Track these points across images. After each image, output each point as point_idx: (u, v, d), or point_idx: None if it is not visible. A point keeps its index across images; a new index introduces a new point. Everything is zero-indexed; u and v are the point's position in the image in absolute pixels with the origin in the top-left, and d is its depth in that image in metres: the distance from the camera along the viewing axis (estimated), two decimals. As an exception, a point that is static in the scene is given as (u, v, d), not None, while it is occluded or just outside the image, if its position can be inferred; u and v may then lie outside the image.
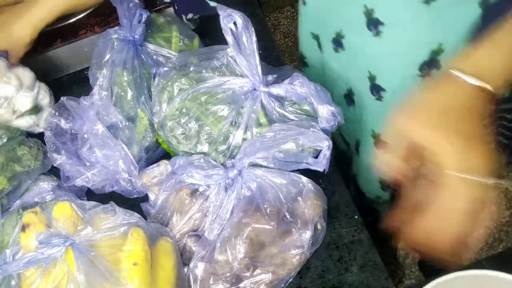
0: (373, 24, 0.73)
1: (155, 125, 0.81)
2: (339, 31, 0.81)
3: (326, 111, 0.69)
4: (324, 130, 0.71)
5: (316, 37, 0.90)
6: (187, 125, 0.76)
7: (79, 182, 0.81)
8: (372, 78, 0.81)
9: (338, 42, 0.83)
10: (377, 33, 0.74)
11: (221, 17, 0.72)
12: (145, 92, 0.84)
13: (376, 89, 0.82)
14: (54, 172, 0.86)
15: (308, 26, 0.91)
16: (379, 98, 0.82)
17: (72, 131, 0.84)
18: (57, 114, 0.85)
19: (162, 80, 0.79)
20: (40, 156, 0.84)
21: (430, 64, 0.74)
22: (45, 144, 0.84)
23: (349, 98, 0.91)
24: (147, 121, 0.83)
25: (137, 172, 0.79)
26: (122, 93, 0.83)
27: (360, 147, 0.98)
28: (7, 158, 0.80)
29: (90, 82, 0.86)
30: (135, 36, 0.83)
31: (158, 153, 0.85)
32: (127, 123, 0.82)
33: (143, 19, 0.85)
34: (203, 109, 0.75)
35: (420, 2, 0.67)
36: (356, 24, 0.75)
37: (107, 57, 0.84)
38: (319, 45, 0.90)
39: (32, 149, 0.84)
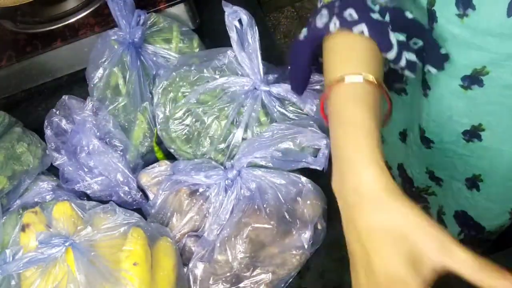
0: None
1: (155, 128, 0.81)
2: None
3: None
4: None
5: None
6: (190, 125, 0.76)
7: (78, 187, 0.81)
8: None
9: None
10: None
11: (226, 13, 0.72)
12: (145, 95, 0.84)
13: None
14: (53, 171, 0.86)
15: None
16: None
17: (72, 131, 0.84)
18: (58, 113, 0.85)
19: (164, 82, 0.79)
20: (39, 153, 0.84)
21: None
22: (42, 139, 0.84)
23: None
24: (146, 125, 0.83)
25: (135, 184, 0.80)
26: (120, 97, 0.84)
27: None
28: (6, 156, 0.80)
29: (88, 83, 0.86)
30: (135, 39, 0.83)
31: (153, 159, 0.85)
32: (122, 132, 0.82)
33: (141, 21, 0.85)
34: (205, 109, 0.75)
35: None
36: None
37: (104, 58, 0.84)
38: None
39: (30, 146, 0.84)
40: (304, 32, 0.63)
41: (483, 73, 0.64)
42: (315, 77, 0.74)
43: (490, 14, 0.57)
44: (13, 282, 0.68)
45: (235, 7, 0.71)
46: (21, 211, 0.78)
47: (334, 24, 0.57)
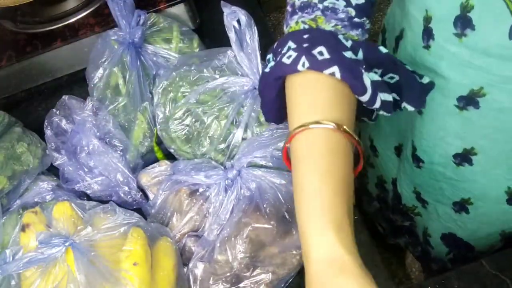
0: None
1: (155, 128, 0.81)
2: None
3: None
4: None
5: None
6: (189, 125, 0.76)
7: (78, 187, 0.81)
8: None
9: None
10: None
11: (225, 13, 0.72)
12: (145, 95, 0.84)
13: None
14: (54, 171, 0.86)
15: None
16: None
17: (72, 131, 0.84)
18: (58, 113, 0.85)
19: (164, 82, 0.79)
20: (39, 153, 0.84)
21: None
22: (42, 139, 0.84)
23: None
24: (146, 125, 0.83)
25: (135, 184, 0.79)
26: (120, 97, 0.84)
27: None
28: (6, 156, 0.80)
29: (88, 83, 0.86)
30: (135, 39, 0.83)
31: (153, 159, 0.85)
32: (122, 132, 0.82)
33: (141, 21, 0.85)
34: (205, 109, 0.75)
35: None
36: None
37: (104, 58, 0.84)
38: None
39: (30, 146, 0.84)
40: (270, 62, 0.58)
41: (479, 95, 0.62)
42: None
43: (490, 35, 0.55)
44: (13, 282, 0.68)
45: (234, 7, 0.71)
46: (21, 211, 0.78)
47: (303, 63, 0.52)
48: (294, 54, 0.53)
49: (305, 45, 0.53)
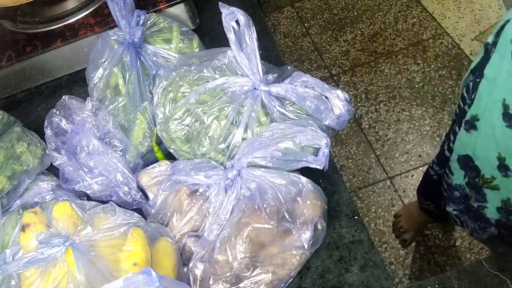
0: None
1: (155, 128, 0.81)
2: None
3: (339, 95, 0.70)
4: (334, 126, 0.71)
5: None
6: (189, 125, 0.76)
7: (78, 187, 0.81)
8: None
9: None
10: None
11: (223, 14, 0.72)
12: (145, 95, 0.84)
13: None
14: (54, 171, 0.86)
15: None
16: None
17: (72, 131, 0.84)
18: (58, 113, 0.85)
19: (164, 82, 0.79)
20: (39, 153, 0.84)
21: None
22: (42, 139, 0.84)
23: None
24: (146, 125, 0.83)
25: (135, 184, 0.79)
26: (120, 97, 0.83)
27: None
28: (6, 156, 0.80)
29: (88, 83, 0.86)
30: (135, 40, 0.83)
31: (153, 159, 0.85)
32: (121, 132, 0.82)
33: (141, 21, 0.85)
34: (205, 109, 0.75)
35: None
36: None
37: (104, 58, 0.84)
38: None
39: (30, 146, 0.84)
40: None
41: None
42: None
43: None
44: (13, 282, 0.68)
45: (232, 8, 0.71)
46: (21, 211, 0.78)
47: None
48: None
49: None
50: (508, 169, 0.81)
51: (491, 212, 0.98)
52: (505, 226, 0.99)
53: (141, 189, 0.81)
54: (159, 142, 0.83)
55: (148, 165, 0.82)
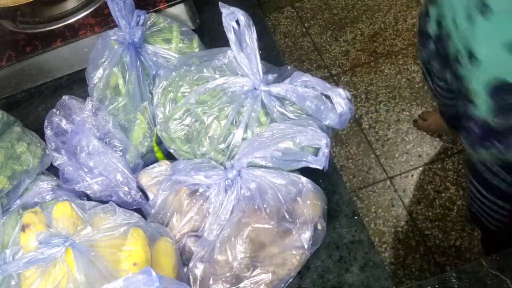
0: None
1: (155, 128, 0.81)
2: None
3: (341, 93, 0.70)
4: (335, 125, 0.72)
5: None
6: (189, 125, 0.76)
7: (78, 187, 0.81)
8: None
9: None
10: None
11: (223, 14, 0.72)
12: (145, 95, 0.84)
13: None
14: (54, 171, 0.86)
15: None
16: None
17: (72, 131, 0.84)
18: (58, 113, 0.85)
19: (164, 82, 0.79)
20: (39, 153, 0.84)
21: None
22: (42, 139, 0.84)
23: None
24: (146, 125, 0.83)
25: (135, 184, 0.79)
26: (120, 97, 0.83)
27: None
28: (6, 156, 0.80)
29: (88, 83, 0.86)
30: (134, 40, 0.83)
31: (153, 159, 0.85)
32: (121, 132, 0.82)
33: (141, 21, 0.85)
34: (205, 109, 0.75)
35: None
36: None
37: (104, 58, 0.84)
38: None
39: (30, 145, 0.84)
40: None
41: None
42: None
43: None
44: (13, 282, 0.68)
45: (232, 8, 0.71)
46: (21, 211, 0.78)
47: None
48: None
49: None
50: None
51: (433, 29, 0.99)
52: (439, 39, 1.00)
53: (141, 189, 0.81)
54: (159, 142, 0.83)
55: (148, 165, 0.82)
